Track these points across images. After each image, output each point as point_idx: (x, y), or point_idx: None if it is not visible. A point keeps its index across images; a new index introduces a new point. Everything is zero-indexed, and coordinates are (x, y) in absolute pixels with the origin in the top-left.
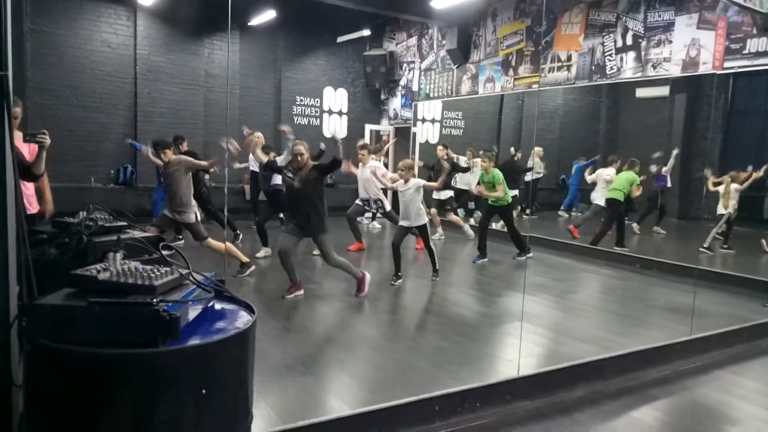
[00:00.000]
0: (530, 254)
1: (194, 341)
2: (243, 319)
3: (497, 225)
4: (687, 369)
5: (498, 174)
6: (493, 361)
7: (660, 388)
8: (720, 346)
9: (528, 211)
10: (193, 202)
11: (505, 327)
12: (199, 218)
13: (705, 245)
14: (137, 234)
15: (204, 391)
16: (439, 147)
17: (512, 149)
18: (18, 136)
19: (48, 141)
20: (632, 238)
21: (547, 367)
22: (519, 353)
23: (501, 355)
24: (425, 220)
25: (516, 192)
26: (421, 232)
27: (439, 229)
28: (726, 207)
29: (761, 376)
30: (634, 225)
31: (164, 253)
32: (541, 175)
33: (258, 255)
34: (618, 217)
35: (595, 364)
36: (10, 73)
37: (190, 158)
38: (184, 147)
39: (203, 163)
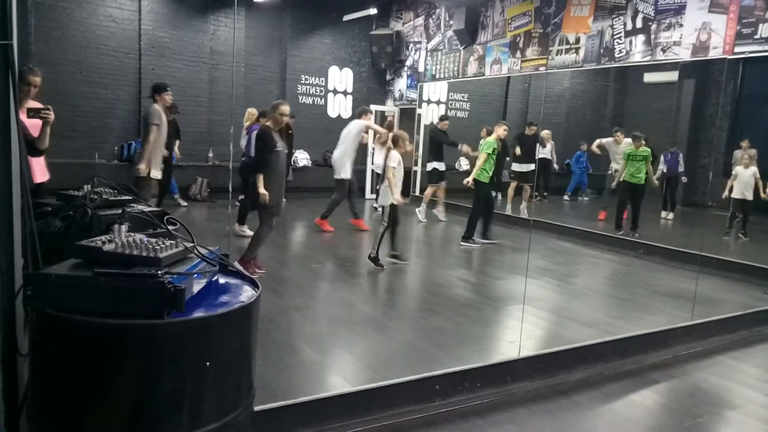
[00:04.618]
0: (476, 245)
1: (198, 314)
2: (247, 293)
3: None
4: (687, 354)
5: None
6: (494, 342)
7: (660, 372)
8: (721, 332)
9: (538, 197)
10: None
11: (507, 309)
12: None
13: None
14: (142, 208)
15: (207, 364)
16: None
17: (528, 124)
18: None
19: (52, 116)
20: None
21: (547, 349)
22: (520, 335)
23: (502, 336)
24: None
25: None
26: (393, 209)
27: (438, 210)
28: (742, 192)
29: (762, 362)
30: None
31: (169, 227)
32: (548, 156)
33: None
34: (625, 200)
35: (595, 347)
36: (15, 41)
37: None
38: (168, 101)
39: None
